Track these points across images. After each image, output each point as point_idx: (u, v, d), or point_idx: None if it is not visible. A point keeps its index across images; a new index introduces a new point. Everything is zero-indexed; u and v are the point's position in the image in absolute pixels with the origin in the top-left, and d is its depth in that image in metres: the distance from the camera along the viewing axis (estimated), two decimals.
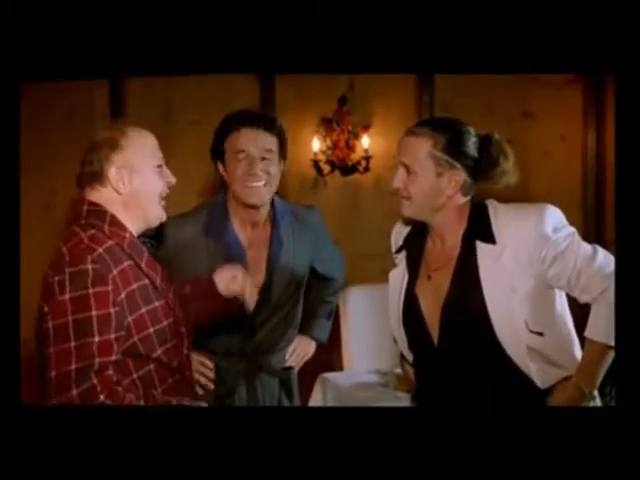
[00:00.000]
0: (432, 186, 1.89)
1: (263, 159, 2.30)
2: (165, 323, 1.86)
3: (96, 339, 1.69)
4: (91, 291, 1.69)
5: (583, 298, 1.86)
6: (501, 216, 1.91)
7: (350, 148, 4.45)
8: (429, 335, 1.96)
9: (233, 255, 2.35)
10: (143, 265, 1.84)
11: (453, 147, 1.88)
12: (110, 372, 1.71)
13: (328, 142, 4.45)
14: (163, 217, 1.93)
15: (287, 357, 2.62)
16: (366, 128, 4.45)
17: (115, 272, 1.74)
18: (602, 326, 1.80)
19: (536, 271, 1.86)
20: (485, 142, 1.93)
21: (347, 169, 4.46)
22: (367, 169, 4.44)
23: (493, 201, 1.96)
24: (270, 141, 2.32)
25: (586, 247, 1.87)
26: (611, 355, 1.82)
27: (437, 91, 4.48)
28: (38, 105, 4.36)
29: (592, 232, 4.36)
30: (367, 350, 3.40)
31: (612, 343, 1.77)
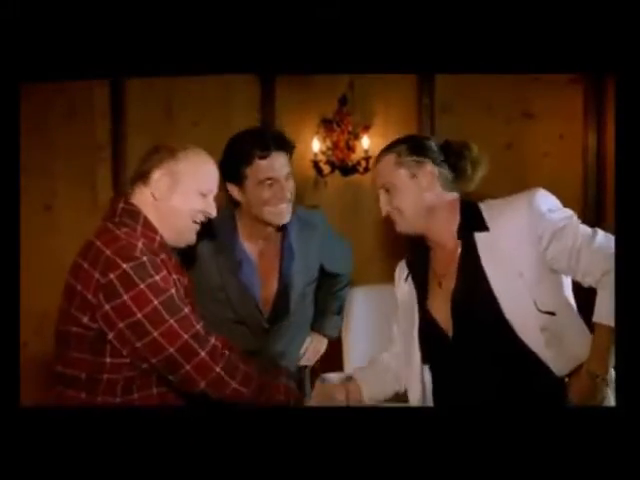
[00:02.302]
0: (412, 189, 1.97)
1: (287, 180, 2.31)
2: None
3: (186, 310, 1.78)
4: (157, 277, 1.75)
5: (586, 281, 1.87)
6: (493, 206, 1.96)
7: (350, 149, 4.44)
8: (446, 337, 1.97)
9: (244, 272, 2.35)
10: (172, 264, 1.85)
11: (415, 148, 2.00)
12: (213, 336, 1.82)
13: (328, 143, 4.44)
14: (191, 241, 1.95)
15: (300, 355, 2.63)
16: (366, 128, 4.45)
17: (158, 259, 1.79)
18: (609, 309, 1.79)
19: (536, 252, 1.88)
20: (445, 144, 2.04)
21: (347, 169, 4.45)
22: (367, 169, 4.44)
23: (486, 200, 2.01)
24: (288, 161, 2.33)
25: (585, 228, 1.88)
26: None
27: (437, 91, 4.47)
28: (38, 105, 4.36)
29: None
30: (367, 351, 3.39)
31: None
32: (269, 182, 2.27)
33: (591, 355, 1.87)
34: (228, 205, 2.42)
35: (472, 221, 1.96)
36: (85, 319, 1.74)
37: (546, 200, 1.92)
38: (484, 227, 1.93)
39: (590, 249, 1.84)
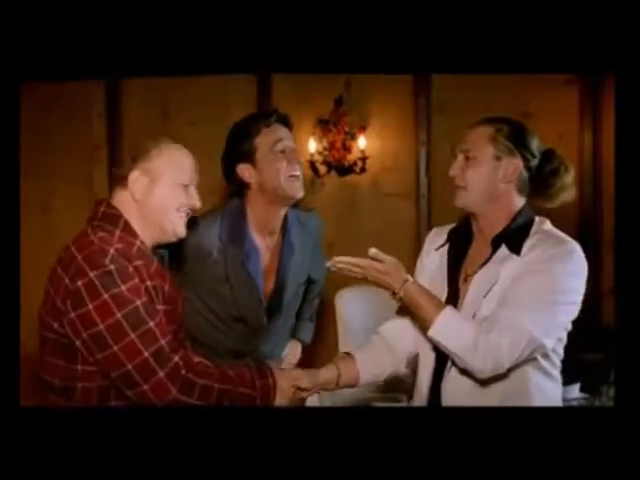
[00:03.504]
0: (489, 170, 1.88)
1: (295, 151, 2.35)
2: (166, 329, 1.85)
3: (151, 324, 1.73)
4: (123, 287, 1.71)
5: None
6: (543, 234, 1.87)
7: (346, 149, 4.45)
8: None
9: (251, 263, 2.35)
10: (152, 270, 1.83)
11: (515, 136, 1.89)
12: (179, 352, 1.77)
13: (324, 143, 4.45)
14: (181, 234, 1.92)
15: (282, 361, 2.64)
16: (362, 129, 4.45)
17: (131, 267, 1.76)
18: (447, 332, 1.79)
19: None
20: (548, 152, 1.94)
21: (344, 170, 4.46)
22: (363, 170, 4.45)
23: (545, 219, 1.93)
24: (291, 137, 2.37)
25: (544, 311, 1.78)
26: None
27: (435, 91, 4.48)
28: (38, 105, 4.35)
29: (589, 231, 4.37)
30: None
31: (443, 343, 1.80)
32: (281, 148, 2.29)
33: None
34: (233, 197, 2.41)
35: (512, 236, 1.88)
36: (55, 325, 1.72)
37: (573, 265, 1.81)
38: (517, 250, 1.85)
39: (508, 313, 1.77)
